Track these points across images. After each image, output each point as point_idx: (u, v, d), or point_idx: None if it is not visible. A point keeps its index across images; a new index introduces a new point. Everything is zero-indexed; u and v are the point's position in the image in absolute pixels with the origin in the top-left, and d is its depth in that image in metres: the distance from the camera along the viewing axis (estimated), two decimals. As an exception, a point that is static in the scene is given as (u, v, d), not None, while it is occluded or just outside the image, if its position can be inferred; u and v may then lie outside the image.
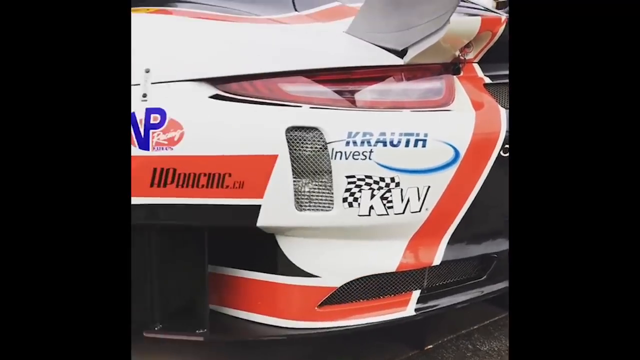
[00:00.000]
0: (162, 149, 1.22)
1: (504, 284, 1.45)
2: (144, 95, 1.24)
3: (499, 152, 1.28)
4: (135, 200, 1.25)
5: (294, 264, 1.25)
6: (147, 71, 1.25)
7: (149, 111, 1.23)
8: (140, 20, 1.46)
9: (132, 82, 1.26)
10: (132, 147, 1.24)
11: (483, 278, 1.43)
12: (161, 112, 1.23)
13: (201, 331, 1.26)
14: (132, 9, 1.53)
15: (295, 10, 1.40)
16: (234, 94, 1.22)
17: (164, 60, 1.28)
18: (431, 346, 1.63)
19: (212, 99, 1.22)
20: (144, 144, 1.23)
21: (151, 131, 1.23)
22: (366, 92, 1.25)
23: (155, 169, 1.22)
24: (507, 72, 1.37)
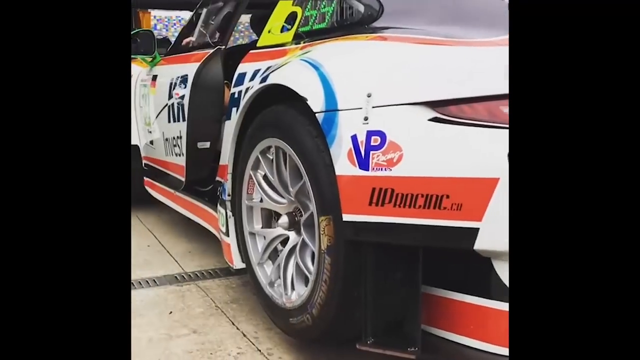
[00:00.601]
0: (382, 169, 1.27)
1: None
2: (365, 119, 1.31)
3: None
4: (353, 218, 1.32)
5: (510, 290, 1.22)
6: (369, 95, 1.32)
7: (369, 133, 1.30)
8: (361, 47, 1.56)
9: (354, 106, 1.34)
10: (353, 167, 1.32)
11: None
12: (381, 134, 1.28)
13: (413, 349, 1.28)
14: (350, 36, 1.64)
15: (515, 31, 1.38)
16: (453, 117, 1.23)
17: (384, 84, 1.34)
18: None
19: (431, 122, 1.24)
20: (364, 165, 1.30)
21: (371, 152, 1.29)
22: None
23: (374, 189, 1.28)
24: None
